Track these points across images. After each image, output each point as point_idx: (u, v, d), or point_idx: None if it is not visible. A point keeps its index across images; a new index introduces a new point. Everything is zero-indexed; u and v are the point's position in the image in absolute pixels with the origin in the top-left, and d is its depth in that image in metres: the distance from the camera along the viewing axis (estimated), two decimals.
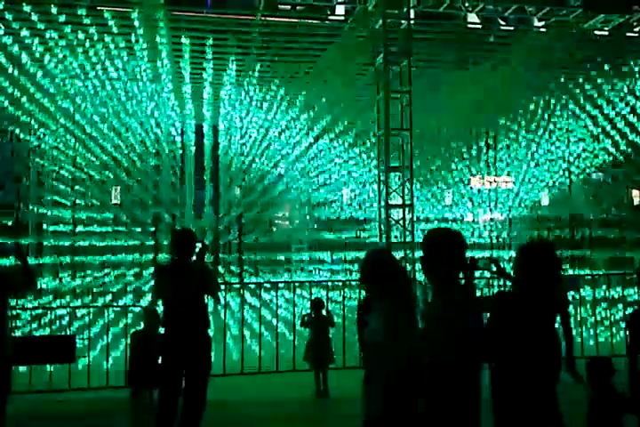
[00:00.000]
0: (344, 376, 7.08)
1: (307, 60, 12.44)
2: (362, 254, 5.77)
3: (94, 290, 14.39)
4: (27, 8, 10.05)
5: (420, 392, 3.13)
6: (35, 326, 10.40)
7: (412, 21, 10.63)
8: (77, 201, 15.22)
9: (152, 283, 6.08)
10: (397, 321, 3.21)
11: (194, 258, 5.52)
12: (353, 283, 10.32)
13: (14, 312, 8.64)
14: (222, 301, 8.53)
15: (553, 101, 14.92)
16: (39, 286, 11.28)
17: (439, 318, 3.28)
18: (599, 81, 13.85)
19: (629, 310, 9.88)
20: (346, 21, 11.19)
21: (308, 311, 7.78)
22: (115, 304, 12.33)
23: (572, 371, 4.35)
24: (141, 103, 14.33)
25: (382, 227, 10.37)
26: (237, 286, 11.85)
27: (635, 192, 17.33)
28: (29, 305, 10.94)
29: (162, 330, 5.68)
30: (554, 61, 12.41)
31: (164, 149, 16.09)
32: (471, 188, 17.87)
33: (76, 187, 15.00)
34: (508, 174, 17.48)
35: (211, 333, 5.63)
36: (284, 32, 11.12)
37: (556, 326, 4.53)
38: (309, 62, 12.57)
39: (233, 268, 17.41)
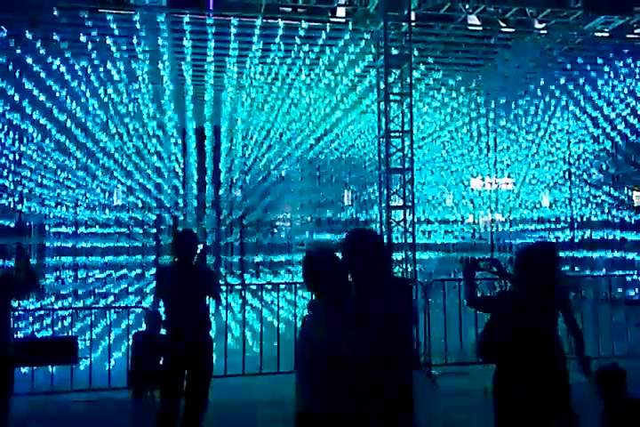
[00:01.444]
0: None
1: (308, 63, 12.47)
2: None
3: (96, 291, 14.41)
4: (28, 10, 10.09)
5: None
6: (37, 327, 10.42)
7: (412, 23, 10.64)
8: (80, 202, 15.25)
9: (154, 284, 6.09)
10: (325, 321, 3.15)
11: (195, 259, 5.54)
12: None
13: (16, 313, 8.65)
14: (224, 302, 8.55)
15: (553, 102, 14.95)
16: (41, 288, 11.29)
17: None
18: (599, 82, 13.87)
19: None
20: (347, 23, 11.21)
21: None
22: (117, 305, 12.36)
23: (585, 370, 4.33)
24: (143, 105, 14.37)
25: (383, 228, 10.38)
26: (239, 287, 11.87)
27: (635, 193, 17.33)
28: (31, 306, 10.96)
29: (163, 331, 5.70)
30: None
31: (166, 151, 16.11)
32: (472, 189, 17.90)
33: (78, 188, 15.03)
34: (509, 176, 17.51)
35: (212, 334, 5.65)
36: (285, 34, 11.15)
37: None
38: (310, 64, 12.60)
39: (234, 269, 17.43)
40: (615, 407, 4.24)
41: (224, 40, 11.31)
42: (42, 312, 10.72)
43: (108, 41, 11.07)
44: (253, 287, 12.15)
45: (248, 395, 7.38)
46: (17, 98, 11.67)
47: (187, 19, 10.67)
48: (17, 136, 12.35)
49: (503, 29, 12.07)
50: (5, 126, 11.96)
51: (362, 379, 2.95)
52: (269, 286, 11.83)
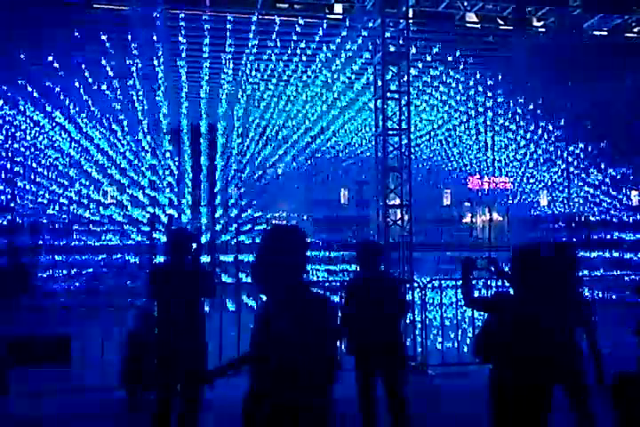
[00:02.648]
0: (342, 377, 7.01)
1: (304, 60, 12.39)
2: None
3: (90, 290, 14.30)
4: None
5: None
6: (30, 326, 10.32)
7: (410, 20, 10.55)
8: (73, 200, 15.14)
9: (148, 283, 6.01)
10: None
11: (190, 259, 5.45)
12: None
13: (9, 313, 8.57)
14: (218, 301, 8.47)
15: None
16: (33, 286, 11.20)
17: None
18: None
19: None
20: (344, 20, 11.12)
21: None
22: (110, 304, 12.25)
23: (599, 380, 4.24)
24: (138, 102, 14.26)
25: (380, 227, 10.30)
26: (234, 286, 11.79)
27: (633, 193, 17.30)
28: (24, 305, 10.85)
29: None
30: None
31: (161, 148, 16.01)
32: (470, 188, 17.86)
33: (72, 186, 14.93)
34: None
35: (207, 333, 5.56)
36: (282, 30, 11.07)
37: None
38: (307, 61, 12.52)
39: (229, 268, 17.33)
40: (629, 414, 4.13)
41: (220, 36, 11.22)
42: (35, 311, 10.62)
43: (102, 37, 10.96)
44: (249, 286, 12.05)
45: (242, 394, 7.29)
46: (9, 94, 11.55)
47: (182, 14, 10.57)
48: (9, 133, 12.24)
49: (501, 27, 12.01)
50: None
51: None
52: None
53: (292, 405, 2.96)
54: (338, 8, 11.26)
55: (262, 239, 3.08)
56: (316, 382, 2.97)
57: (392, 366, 5.29)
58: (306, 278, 3.12)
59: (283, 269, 2.99)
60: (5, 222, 11.78)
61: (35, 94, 12.21)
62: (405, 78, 10.38)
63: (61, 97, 12.99)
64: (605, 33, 12.24)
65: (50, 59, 11.62)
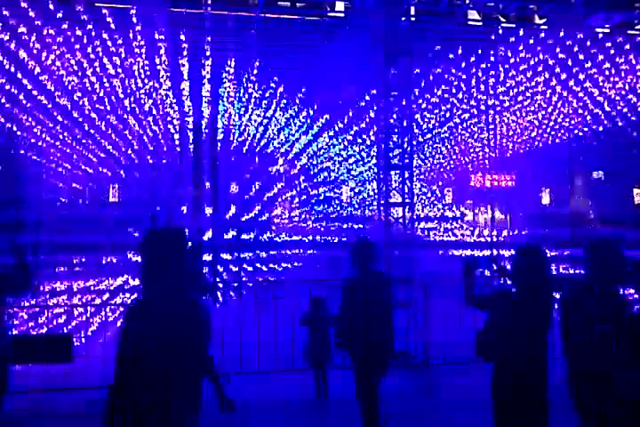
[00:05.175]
0: (344, 376, 7.02)
1: (306, 58, 12.39)
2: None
3: (91, 288, 14.34)
4: (24, 4, 9.96)
5: None
6: (31, 324, 10.32)
7: (412, 18, 10.53)
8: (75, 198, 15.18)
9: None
10: None
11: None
12: None
13: (10, 311, 8.56)
14: (220, 299, 8.48)
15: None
16: (36, 285, 11.21)
17: None
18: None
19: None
20: (345, 18, 11.11)
21: (308, 310, 7.72)
22: (112, 302, 12.28)
23: None
24: (139, 100, 14.27)
25: (381, 225, 10.28)
26: (236, 284, 11.80)
27: (635, 190, 17.25)
28: (26, 303, 10.86)
29: None
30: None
31: (162, 147, 16.03)
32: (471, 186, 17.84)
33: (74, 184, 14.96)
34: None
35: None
36: (284, 29, 11.07)
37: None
38: (309, 59, 12.51)
39: (231, 266, 17.35)
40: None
41: (222, 35, 11.21)
42: (37, 309, 10.62)
43: (105, 35, 10.96)
44: (250, 284, 12.08)
45: (245, 394, 7.30)
46: (13, 92, 11.57)
47: (184, 13, 10.57)
48: (12, 129, 12.26)
49: (503, 25, 11.98)
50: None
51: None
52: (267, 283, 11.77)
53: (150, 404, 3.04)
54: (340, 6, 11.25)
55: (142, 243, 3.15)
56: (176, 386, 3.06)
57: (373, 366, 5.28)
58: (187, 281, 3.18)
59: (155, 272, 3.06)
60: (8, 220, 11.81)
61: (34, 92, 12.22)
62: (407, 76, 10.36)
63: (62, 95, 13.00)
64: (608, 30, 12.21)
65: (51, 56, 11.62)
